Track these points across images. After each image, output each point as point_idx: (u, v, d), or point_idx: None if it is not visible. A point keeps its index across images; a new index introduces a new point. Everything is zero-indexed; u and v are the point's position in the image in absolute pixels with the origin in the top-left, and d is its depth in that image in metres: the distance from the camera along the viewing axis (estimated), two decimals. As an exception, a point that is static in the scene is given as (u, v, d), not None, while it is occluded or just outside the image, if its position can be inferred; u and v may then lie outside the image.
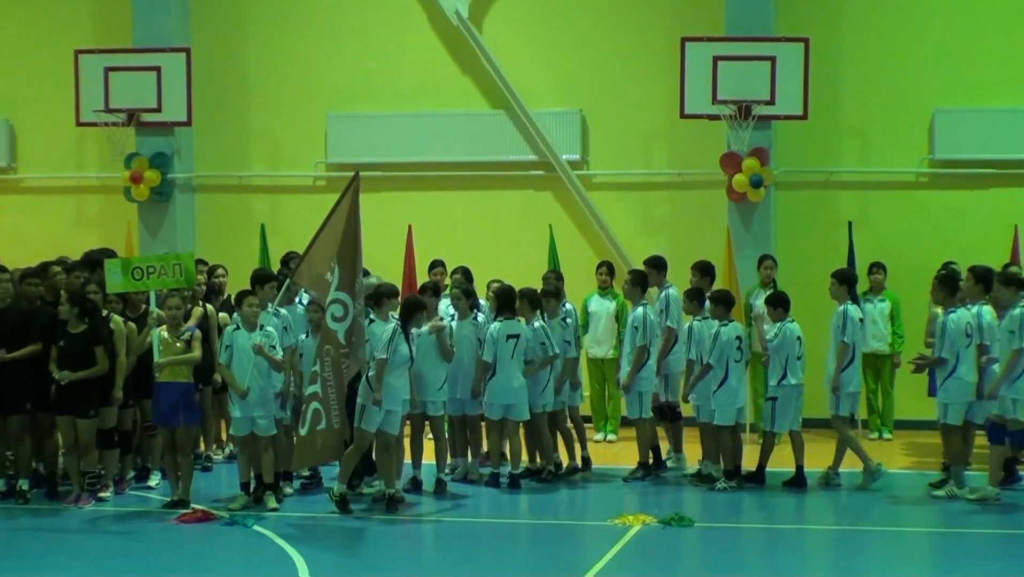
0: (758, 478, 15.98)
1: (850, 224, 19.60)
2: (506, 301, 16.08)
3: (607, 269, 18.64)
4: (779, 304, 16.05)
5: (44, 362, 15.06)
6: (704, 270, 17.05)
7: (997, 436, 15.10)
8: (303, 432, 14.51)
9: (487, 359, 15.80)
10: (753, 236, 19.95)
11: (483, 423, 16.29)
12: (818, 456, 16.30)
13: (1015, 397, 14.82)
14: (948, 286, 15.45)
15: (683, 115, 19.72)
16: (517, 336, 15.85)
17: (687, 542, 13.74)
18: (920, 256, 19.37)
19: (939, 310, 15.70)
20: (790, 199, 20.62)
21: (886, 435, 19.16)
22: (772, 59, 19.39)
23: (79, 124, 21.33)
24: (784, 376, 15.80)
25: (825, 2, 20.61)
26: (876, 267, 18.90)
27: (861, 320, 16.20)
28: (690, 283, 16.78)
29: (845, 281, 16.21)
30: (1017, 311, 14.79)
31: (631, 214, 21.08)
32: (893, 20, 20.49)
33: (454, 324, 16.15)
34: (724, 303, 16.02)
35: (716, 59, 19.44)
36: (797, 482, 15.84)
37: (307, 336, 15.42)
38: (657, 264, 17.04)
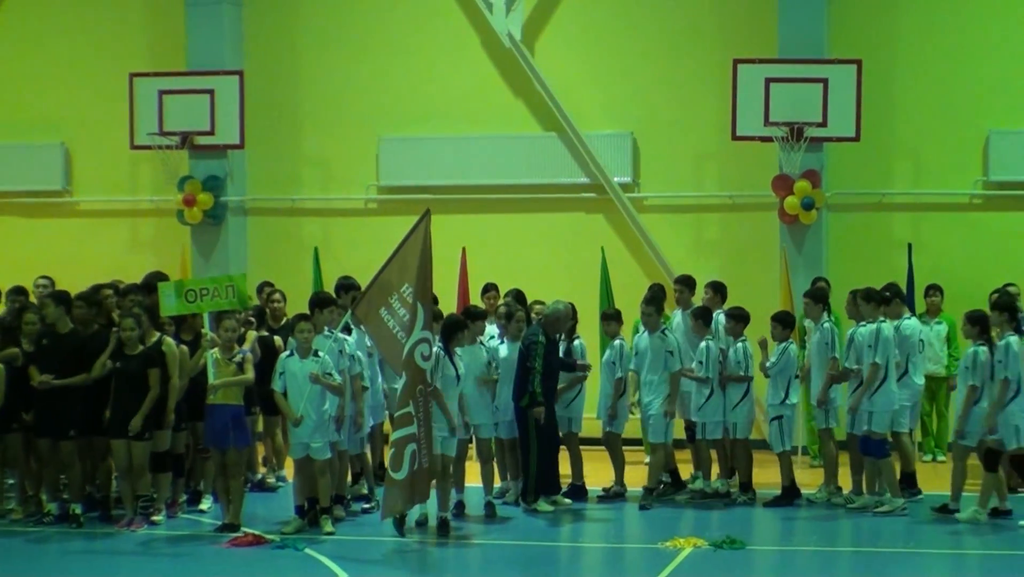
0: (792, 495, 16.15)
1: (910, 246, 19.45)
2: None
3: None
4: (786, 324, 16.30)
5: (100, 387, 15.17)
6: (717, 288, 17.16)
7: (872, 449, 15.65)
8: (400, 476, 14.24)
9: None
10: (805, 258, 19.87)
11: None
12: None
13: (871, 410, 15.58)
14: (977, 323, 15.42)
15: (735, 137, 19.68)
16: None
17: (738, 565, 13.64)
18: (975, 278, 19.21)
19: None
20: (842, 221, 20.53)
21: (940, 457, 19.04)
22: (824, 81, 19.31)
23: (133, 147, 21.48)
24: (786, 396, 16.11)
25: (878, 24, 20.51)
26: (933, 289, 18.77)
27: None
28: (703, 301, 16.88)
29: (820, 300, 16.45)
30: (874, 326, 15.58)
31: (682, 236, 21.03)
32: (947, 41, 20.36)
33: (502, 346, 16.14)
34: (739, 320, 16.30)
35: (768, 81, 19.39)
36: (787, 497, 16.11)
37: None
38: (688, 284, 17.41)
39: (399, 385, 14.76)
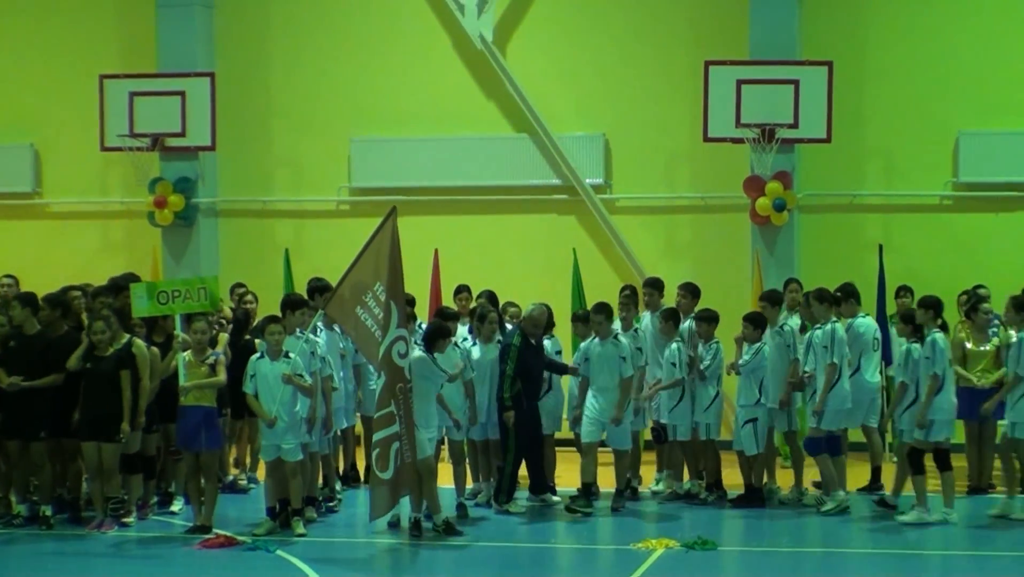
0: (758, 497, 16.16)
1: (880, 247, 19.51)
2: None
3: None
4: (758, 325, 16.21)
5: (62, 389, 15.12)
6: (693, 291, 17.01)
7: (810, 448, 15.74)
8: (387, 476, 14.26)
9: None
10: (776, 260, 19.92)
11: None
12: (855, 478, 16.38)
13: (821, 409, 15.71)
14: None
15: (706, 139, 19.70)
16: None
17: (710, 566, 13.65)
18: (945, 279, 19.24)
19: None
20: (814, 222, 20.58)
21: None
22: (796, 82, 19.35)
23: (103, 149, 21.38)
24: (760, 398, 16.08)
25: (849, 25, 20.57)
26: (903, 291, 18.74)
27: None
28: (677, 304, 16.84)
29: (777, 303, 16.56)
30: (828, 327, 15.65)
31: (654, 238, 21.06)
32: (917, 43, 20.43)
33: (474, 349, 16.13)
34: (710, 321, 16.25)
35: (739, 82, 19.42)
36: (750, 499, 16.09)
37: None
38: (656, 286, 17.22)
39: (376, 386, 14.75)
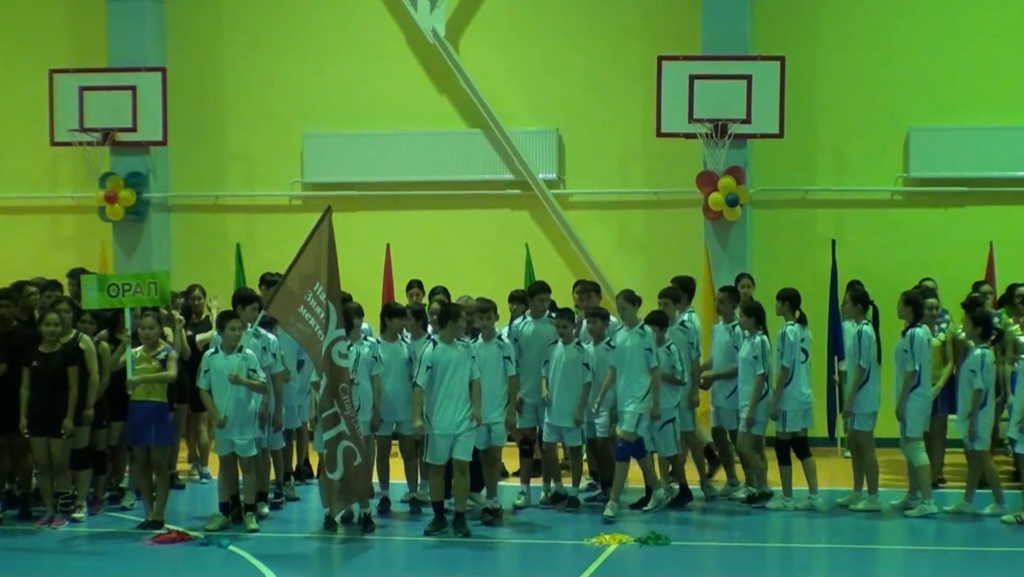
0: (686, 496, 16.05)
1: (833, 242, 19.58)
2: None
3: (583, 288, 18.34)
4: (662, 325, 15.84)
5: (14, 383, 15.00)
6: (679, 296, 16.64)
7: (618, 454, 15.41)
8: (335, 475, 14.25)
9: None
10: (729, 255, 19.96)
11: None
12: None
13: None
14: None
15: (659, 134, 19.74)
16: None
17: (663, 561, 13.68)
18: (896, 274, 19.34)
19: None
20: (766, 217, 20.65)
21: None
22: (748, 78, 19.42)
23: (53, 144, 21.26)
24: (679, 400, 15.93)
25: (801, 21, 20.65)
26: (855, 285, 18.84)
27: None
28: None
29: (687, 290, 16.65)
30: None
31: (608, 233, 21.08)
32: (868, 39, 20.54)
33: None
34: (661, 324, 15.78)
35: (692, 78, 19.46)
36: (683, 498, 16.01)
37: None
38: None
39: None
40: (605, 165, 21.14)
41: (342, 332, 14.42)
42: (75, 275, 16.64)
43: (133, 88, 20.88)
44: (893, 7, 20.57)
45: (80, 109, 20.90)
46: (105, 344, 15.41)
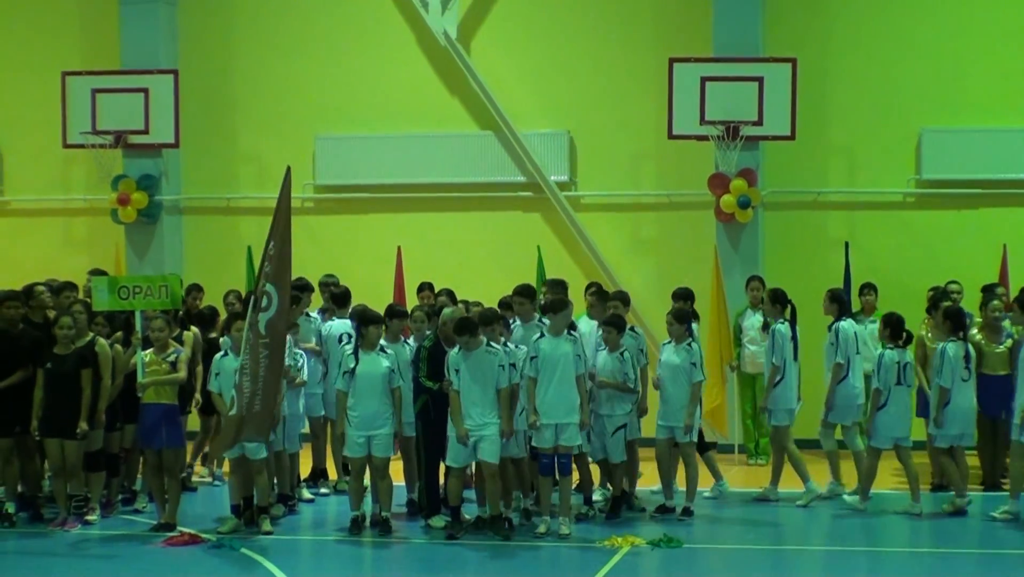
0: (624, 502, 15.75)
1: (847, 244, 19.57)
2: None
3: (596, 290, 18.28)
4: (620, 329, 15.51)
5: (21, 385, 15.03)
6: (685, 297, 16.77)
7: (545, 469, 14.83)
8: (232, 412, 14.04)
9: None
10: (741, 257, 19.96)
11: None
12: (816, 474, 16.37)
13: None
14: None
15: (671, 136, 19.72)
16: None
17: (676, 564, 13.68)
18: (908, 276, 19.38)
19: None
20: (778, 220, 20.63)
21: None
22: (760, 80, 19.41)
23: (66, 146, 21.29)
24: (631, 407, 15.53)
25: (813, 23, 20.64)
26: (868, 288, 18.78)
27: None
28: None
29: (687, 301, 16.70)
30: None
31: (619, 235, 21.07)
32: (880, 41, 20.52)
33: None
34: (618, 328, 15.48)
35: (704, 80, 19.45)
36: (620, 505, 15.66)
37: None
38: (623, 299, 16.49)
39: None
40: (617, 167, 21.14)
41: (270, 288, 14.13)
42: (97, 276, 16.65)
43: (145, 91, 20.92)
44: (905, 9, 20.56)
45: (93, 112, 20.94)
46: (119, 347, 15.45)
